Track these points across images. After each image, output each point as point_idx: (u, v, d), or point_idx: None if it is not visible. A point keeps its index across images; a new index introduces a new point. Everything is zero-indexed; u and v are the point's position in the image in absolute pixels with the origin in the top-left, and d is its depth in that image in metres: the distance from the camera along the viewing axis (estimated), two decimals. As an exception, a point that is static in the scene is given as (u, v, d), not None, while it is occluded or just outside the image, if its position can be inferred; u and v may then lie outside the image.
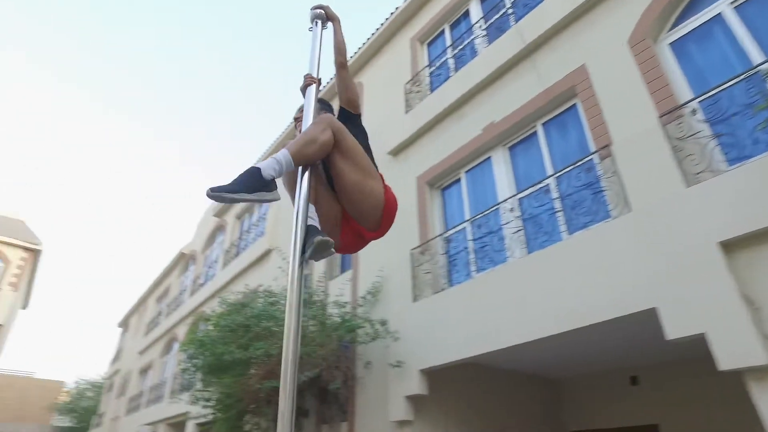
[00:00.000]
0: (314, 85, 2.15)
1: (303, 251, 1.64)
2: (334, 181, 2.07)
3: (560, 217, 5.30)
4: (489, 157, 6.70)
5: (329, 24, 2.37)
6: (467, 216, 6.63)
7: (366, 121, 8.92)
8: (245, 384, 6.48)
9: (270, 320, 6.32)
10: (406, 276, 6.79)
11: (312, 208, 1.85)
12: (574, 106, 5.69)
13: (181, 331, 15.98)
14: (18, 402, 33.01)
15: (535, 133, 6.19)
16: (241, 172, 1.76)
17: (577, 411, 7.70)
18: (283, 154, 1.81)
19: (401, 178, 8.00)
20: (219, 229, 17.37)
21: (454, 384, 6.42)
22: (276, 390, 6.26)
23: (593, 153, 5.05)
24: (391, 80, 9.48)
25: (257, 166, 1.76)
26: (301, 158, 1.84)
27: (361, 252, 8.07)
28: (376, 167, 2.19)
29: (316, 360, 6.28)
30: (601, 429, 7.27)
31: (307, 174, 1.84)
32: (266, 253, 11.65)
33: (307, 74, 2.20)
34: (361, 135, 2.30)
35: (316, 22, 2.32)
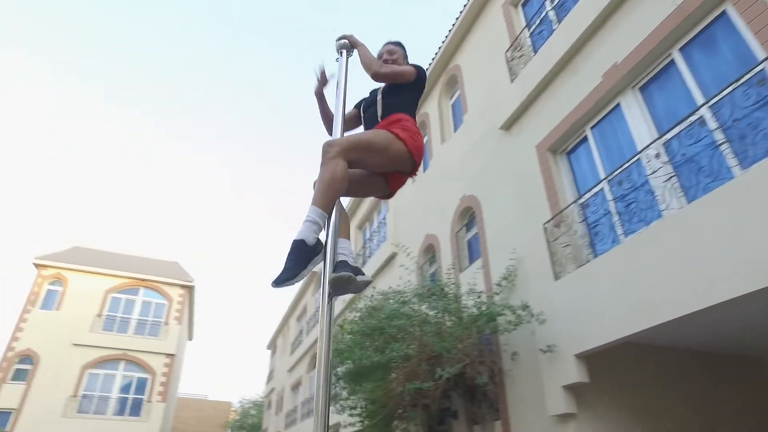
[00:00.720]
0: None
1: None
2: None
3: (726, 151, 4.32)
4: (617, 105, 5.80)
5: (354, 51, 2.49)
6: (602, 175, 5.79)
7: (471, 102, 8.43)
8: (388, 388, 6.26)
9: (401, 319, 6.04)
10: (543, 253, 6.11)
11: (344, 242, 1.94)
12: (723, 13, 4.64)
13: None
14: (196, 421, 37.46)
15: (671, 63, 5.19)
16: (288, 251, 1.79)
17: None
18: (314, 212, 1.84)
19: (518, 151, 7.35)
20: (343, 243, 17.81)
21: (617, 368, 5.57)
22: (421, 392, 5.96)
23: (766, 59, 4.02)
24: (490, 53, 8.87)
25: (299, 238, 1.80)
26: (330, 203, 1.87)
27: (489, 237, 7.61)
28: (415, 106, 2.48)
29: (457, 356, 5.85)
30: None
31: (334, 212, 1.89)
32: (391, 257, 11.56)
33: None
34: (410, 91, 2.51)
35: (341, 52, 2.44)
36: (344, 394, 7.36)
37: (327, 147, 1.96)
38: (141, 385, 21.90)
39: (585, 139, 6.31)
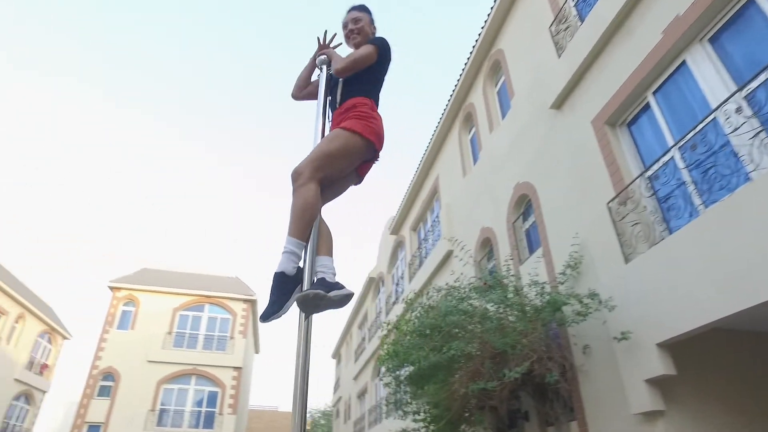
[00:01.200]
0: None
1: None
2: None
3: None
4: (683, 63, 5.18)
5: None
6: (670, 143, 5.19)
7: (518, 85, 7.94)
8: (450, 390, 5.89)
9: (457, 315, 5.65)
10: (609, 235, 5.56)
11: (323, 259, 1.90)
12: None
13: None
14: (268, 432, 38.15)
15: (750, 4, 4.55)
16: (271, 285, 1.79)
17: None
18: (290, 242, 1.83)
19: (572, 129, 6.81)
20: (399, 245, 17.65)
21: (707, 358, 4.91)
22: (486, 393, 5.55)
23: None
24: (533, 31, 8.38)
25: (279, 270, 1.79)
26: (305, 230, 1.87)
27: (548, 224, 7.08)
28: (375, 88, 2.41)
29: (523, 352, 5.39)
30: None
31: (313, 230, 1.91)
32: (447, 255, 11.17)
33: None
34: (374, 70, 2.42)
35: (322, 68, 2.46)
36: (407, 398, 7.05)
37: (295, 175, 1.95)
38: (212, 399, 22.58)
39: (647, 106, 5.70)
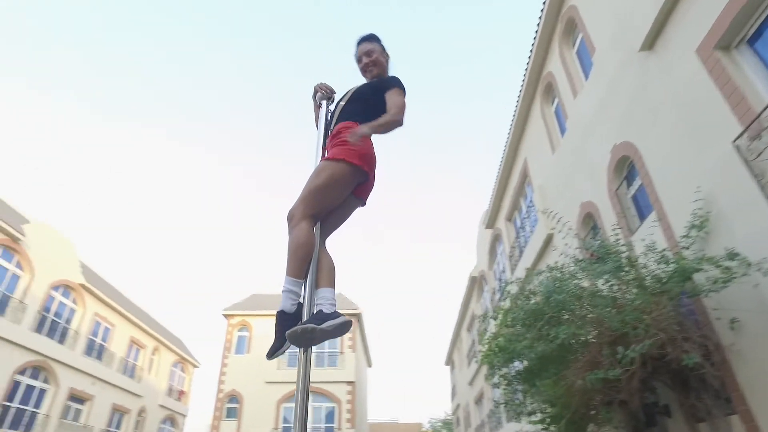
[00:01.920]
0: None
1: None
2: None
3: None
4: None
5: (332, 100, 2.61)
6: (813, 49, 4.07)
7: (597, 38, 7.08)
8: (567, 384, 5.10)
9: (563, 294, 4.85)
10: (742, 179, 4.51)
11: (323, 291, 1.94)
12: None
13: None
14: (390, 445, 38.09)
15: None
16: (274, 323, 1.90)
17: None
18: (288, 281, 1.90)
19: (672, 68, 5.77)
20: (496, 239, 16.79)
21: None
22: (611, 385, 4.70)
23: None
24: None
25: (279, 309, 1.89)
26: (301, 268, 1.92)
27: (657, 183, 6.03)
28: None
29: (648, 333, 4.47)
30: None
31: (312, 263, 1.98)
32: (548, 240, 10.25)
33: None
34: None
35: (321, 103, 2.55)
36: (519, 398, 6.32)
37: (289, 217, 2.02)
38: (330, 415, 22.95)
39: (769, 13, 4.59)
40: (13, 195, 34.10)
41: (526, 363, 5.79)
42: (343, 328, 1.80)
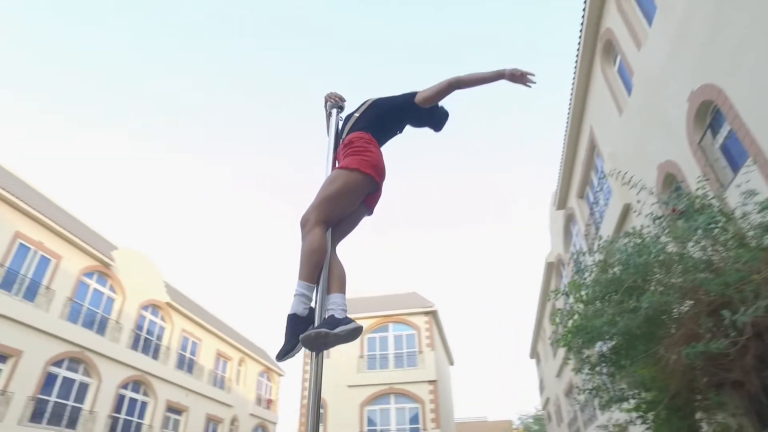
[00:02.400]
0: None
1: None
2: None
3: None
4: None
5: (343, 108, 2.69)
6: None
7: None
8: (660, 364, 4.40)
9: (644, 256, 4.16)
10: None
11: (334, 296, 1.99)
12: None
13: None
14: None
15: None
16: (285, 326, 1.93)
17: None
18: (300, 285, 1.96)
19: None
20: (569, 219, 15.80)
21: None
22: (718, 363, 3.98)
23: None
24: None
25: (291, 312, 1.93)
26: (313, 273, 1.98)
27: (751, 123, 5.15)
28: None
29: (760, 295, 3.69)
30: None
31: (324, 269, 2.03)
32: (625, 211, 9.36)
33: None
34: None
35: (331, 112, 2.64)
36: (605, 383, 5.64)
37: (303, 222, 2.08)
38: (414, 415, 22.60)
39: None
40: (100, 222, 37.00)
41: (610, 342, 5.12)
42: (355, 333, 1.84)
